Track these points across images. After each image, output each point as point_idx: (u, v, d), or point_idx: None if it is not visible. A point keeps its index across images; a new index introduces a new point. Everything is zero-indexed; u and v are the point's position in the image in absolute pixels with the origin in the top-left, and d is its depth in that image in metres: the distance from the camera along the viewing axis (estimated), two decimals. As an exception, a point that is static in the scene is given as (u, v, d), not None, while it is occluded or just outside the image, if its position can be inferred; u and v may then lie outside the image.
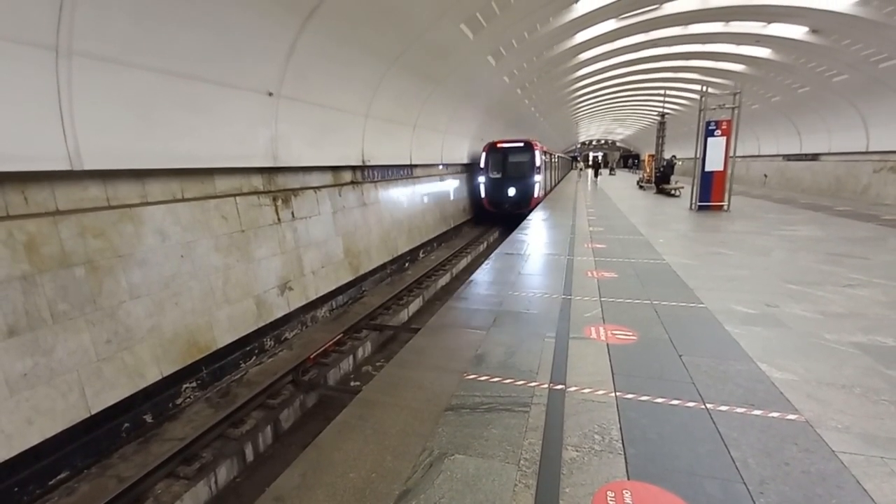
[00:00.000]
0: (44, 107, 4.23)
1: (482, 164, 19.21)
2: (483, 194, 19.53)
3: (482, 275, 7.17)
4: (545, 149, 22.01)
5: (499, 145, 19.30)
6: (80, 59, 4.38)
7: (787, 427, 2.91)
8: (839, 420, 2.97)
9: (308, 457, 2.78)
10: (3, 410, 4.02)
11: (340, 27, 7.63)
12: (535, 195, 18.91)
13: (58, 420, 4.42)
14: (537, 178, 18.91)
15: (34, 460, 4.19)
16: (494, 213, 19.84)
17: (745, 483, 2.41)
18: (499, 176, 19.29)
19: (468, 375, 3.74)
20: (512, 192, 19.02)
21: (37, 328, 4.34)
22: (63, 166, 4.43)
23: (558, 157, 37.44)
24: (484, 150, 19.23)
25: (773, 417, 3.01)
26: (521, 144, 19.22)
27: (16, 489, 4.04)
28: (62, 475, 4.42)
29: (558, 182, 34.91)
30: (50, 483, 4.31)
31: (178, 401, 5.72)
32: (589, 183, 32.95)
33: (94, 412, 4.73)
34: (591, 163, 63.88)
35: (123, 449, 4.94)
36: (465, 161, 20.14)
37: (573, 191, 25.89)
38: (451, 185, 18.42)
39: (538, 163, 18.94)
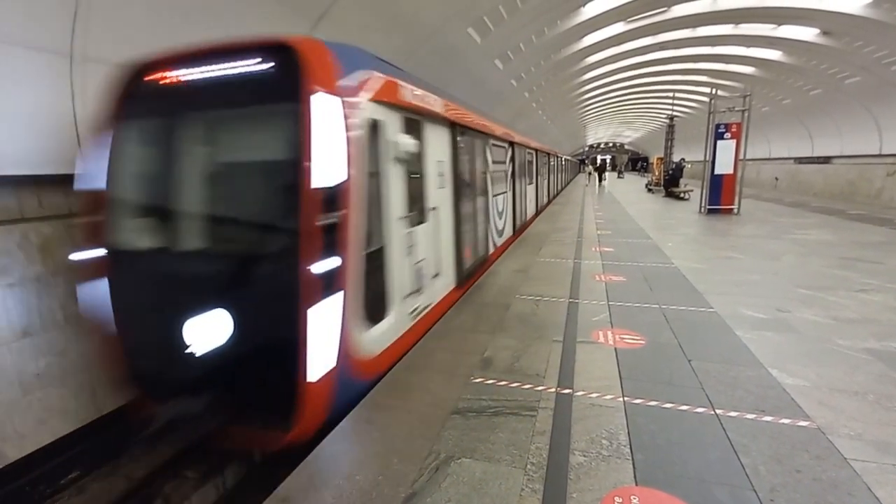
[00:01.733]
0: (58, 111, 4.30)
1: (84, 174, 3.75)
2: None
3: (489, 279, 7.16)
4: (452, 109, 5.54)
5: (147, 78, 3.45)
6: (94, 64, 4.45)
7: (799, 434, 2.87)
8: (851, 427, 2.93)
9: (315, 459, 2.80)
10: (16, 410, 4.08)
11: (348, 31, 7.69)
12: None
13: (69, 420, 4.48)
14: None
15: (46, 460, 4.25)
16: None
17: (755, 490, 2.38)
18: (149, 245, 3.51)
19: (475, 379, 3.73)
20: (194, 333, 3.19)
21: (50, 330, 4.41)
22: (77, 170, 4.49)
23: (565, 159, 30.75)
24: (108, 128, 3.61)
25: (784, 424, 2.98)
26: (255, 66, 3.13)
27: (27, 488, 4.10)
28: (73, 474, 4.47)
29: (551, 200, 21.94)
30: (61, 482, 4.37)
31: (187, 402, 5.76)
32: (596, 187, 32.78)
33: (104, 413, 4.78)
34: (597, 165, 59.09)
35: (133, 449, 4.98)
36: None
37: (581, 194, 25.81)
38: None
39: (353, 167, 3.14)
